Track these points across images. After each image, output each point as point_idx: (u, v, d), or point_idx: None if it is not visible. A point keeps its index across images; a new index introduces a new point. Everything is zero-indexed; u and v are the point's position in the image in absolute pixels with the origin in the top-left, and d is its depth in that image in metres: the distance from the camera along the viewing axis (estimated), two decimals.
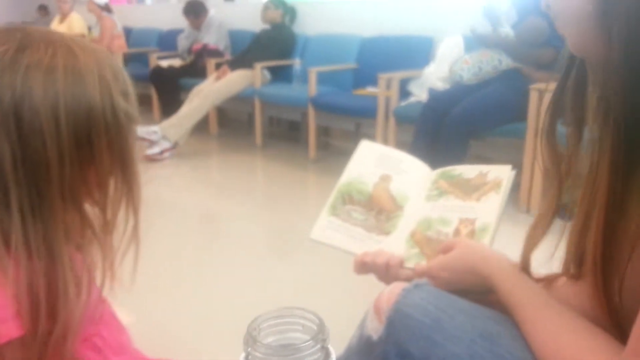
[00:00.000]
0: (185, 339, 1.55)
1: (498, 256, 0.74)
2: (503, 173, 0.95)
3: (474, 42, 2.84)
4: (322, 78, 3.45)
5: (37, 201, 0.55)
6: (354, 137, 3.71)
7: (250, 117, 4.13)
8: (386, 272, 0.91)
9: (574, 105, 0.64)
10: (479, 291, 0.74)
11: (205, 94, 3.78)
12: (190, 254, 2.20)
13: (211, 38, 4.46)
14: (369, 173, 1.04)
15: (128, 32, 5.58)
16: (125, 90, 0.62)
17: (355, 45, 3.70)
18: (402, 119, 2.95)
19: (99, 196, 0.63)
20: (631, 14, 0.50)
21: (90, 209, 0.63)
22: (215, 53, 4.36)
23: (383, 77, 3.01)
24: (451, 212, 0.94)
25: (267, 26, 4.06)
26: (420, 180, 1.03)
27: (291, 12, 4.08)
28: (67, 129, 0.55)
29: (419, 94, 3.03)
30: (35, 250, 0.55)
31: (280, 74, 3.95)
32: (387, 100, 3.00)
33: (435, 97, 2.79)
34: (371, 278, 0.96)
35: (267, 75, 3.90)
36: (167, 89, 4.38)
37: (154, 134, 3.55)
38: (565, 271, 0.69)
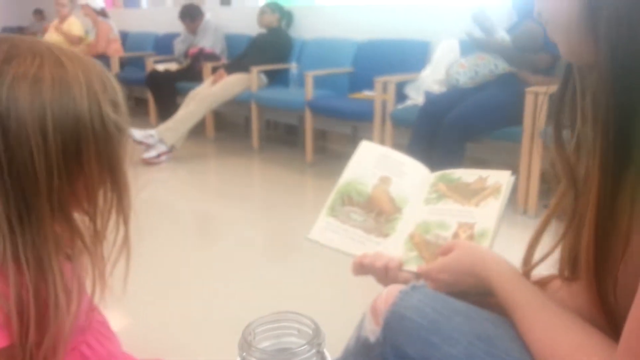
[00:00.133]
0: (181, 343, 1.55)
1: (497, 258, 0.75)
2: (502, 179, 0.95)
3: (470, 46, 2.85)
4: (319, 82, 3.46)
5: (26, 212, 0.55)
6: (351, 141, 3.72)
7: (247, 120, 4.13)
8: (385, 274, 0.91)
9: (571, 110, 0.65)
10: (478, 293, 0.74)
11: (202, 98, 3.78)
12: (187, 257, 2.20)
13: (207, 42, 4.46)
14: (368, 174, 1.04)
15: (124, 36, 5.58)
16: (114, 100, 0.62)
17: (351, 49, 3.71)
18: (399, 122, 2.96)
19: (89, 206, 0.63)
20: (616, 19, 0.51)
21: (80, 219, 0.63)
22: (212, 57, 4.37)
23: (379, 80, 3.01)
24: (450, 216, 0.94)
25: (263, 30, 4.07)
26: (419, 182, 1.03)
27: (288, 16, 4.09)
28: (54, 140, 0.55)
29: (416, 97, 3.03)
30: (24, 261, 0.55)
31: (277, 78, 3.96)
32: (384, 104, 3.01)
33: (432, 100, 2.80)
34: (369, 280, 0.96)
35: (264, 79, 3.90)
36: (163, 92, 4.37)
37: (150, 137, 3.54)
38: (561, 273, 0.69)
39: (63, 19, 5.44)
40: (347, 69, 3.66)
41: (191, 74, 4.30)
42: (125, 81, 5.07)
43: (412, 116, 2.76)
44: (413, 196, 1.01)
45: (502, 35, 2.73)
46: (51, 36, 5.42)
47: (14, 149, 0.54)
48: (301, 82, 3.56)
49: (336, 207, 1.01)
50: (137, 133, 3.51)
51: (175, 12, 4.68)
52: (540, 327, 0.62)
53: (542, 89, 2.39)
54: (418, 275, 0.88)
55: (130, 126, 0.66)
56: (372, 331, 0.72)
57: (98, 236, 0.63)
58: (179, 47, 4.72)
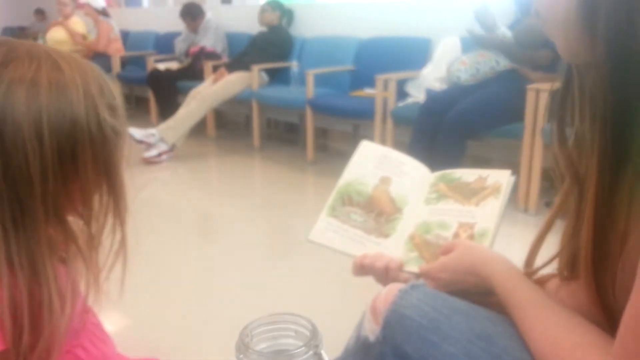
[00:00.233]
0: (180, 343, 1.55)
1: (498, 257, 0.74)
2: (502, 178, 0.95)
3: (471, 43, 2.84)
4: (320, 80, 3.45)
5: (20, 215, 0.55)
6: (352, 139, 3.71)
7: (248, 119, 4.13)
8: (385, 275, 0.91)
9: (571, 108, 0.65)
10: (478, 292, 0.74)
11: (203, 97, 3.78)
12: (188, 256, 2.20)
13: (208, 41, 4.46)
14: (368, 174, 1.04)
15: (125, 35, 5.59)
16: (111, 104, 0.62)
17: (352, 47, 3.71)
18: (400, 120, 2.95)
19: (84, 210, 0.63)
20: (614, 17, 0.51)
21: (75, 223, 0.63)
22: (213, 56, 4.36)
23: (380, 78, 3.01)
24: (450, 216, 0.94)
25: (264, 28, 4.07)
26: (419, 182, 1.02)
27: (288, 15, 4.08)
28: (50, 144, 0.55)
29: (417, 94, 3.03)
30: (18, 265, 0.55)
31: (277, 76, 3.95)
32: (385, 102, 3.01)
33: (433, 97, 2.79)
34: (368, 280, 0.96)
35: (265, 77, 3.90)
36: (164, 91, 4.37)
37: (151, 136, 3.54)
38: (560, 272, 0.69)
39: (66, 18, 5.45)
40: (348, 66, 3.66)
41: (192, 72, 4.30)
42: (126, 80, 5.08)
43: (413, 114, 2.76)
44: (413, 196, 1.01)
45: (504, 31, 2.72)
46: (56, 33, 5.43)
47: (9, 152, 0.54)
48: (302, 80, 3.56)
49: (336, 207, 1.01)
50: (138, 132, 3.51)
51: (176, 11, 4.69)
52: (540, 325, 0.62)
53: (543, 86, 2.39)
54: (418, 276, 0.88)
55: (127, 129, 0.66)
56: (372, 330, 0.72)
57: (93, 240, 0.63)
58: (179, 46, 4.72)
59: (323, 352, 0.43)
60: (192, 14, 4.52)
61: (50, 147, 0.55)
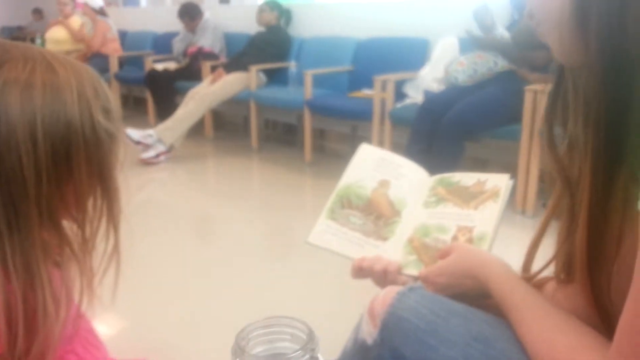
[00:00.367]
0: (177, 345, 1.54)
1: (495, 260, 0.74)
2: (501, 182, 0.95)
3: (469, 44, 2.84)
4: (318, 80, 3.45)
5: (14, 218, 0.55)
6: (350, 140, 3.71)
7: (246, 120, 4.13)
8: (384, 278, 0.91)
9: (564, 110, 0.66)
10: (476, 295, 0.74)
11: (201, 97, 3.78)
12: (185, 257, 2.19)
13: (206, 41, 4.45)
14: (367, 177, 1.04)
15: (123, 35, 5.58)
16: (106, 106, 0.62)
17: (350, 48, 3.71)
18: (398, 120, 2.95)
19: (77, 213, 0.62)
20: (607, 18, 0.51)
21: (69, 227, 0.62)
22: (211, 56, 4.36)
23: (378, 79, 3.01)
24: (449, 219, 0.95)
25: (262, 29, 4.06)
26: (418, 186, 1.03)
27: (286, 15, 4.08)
28: (44, 146, 0.55)
29: (415, 95, 3.03)
30: (12, 268, 0.54)
31: (275, 77, 3.95)
32: (383, 102, 3.01)
33: (431, 99, 2.79)
34: (366, 282, 0.96)
35: (263, 77, 3.90)
36: (162, 92, 4.37)
37: (149, 137, 3.54)
38: (556, 275, 0.69)
39: (66, 17, 5.45)
40: (346, 67, 3.66)
41: (190, 73, 4.30)
42: (123, 80, 5.07)
43: (411, 115, 2.76)
44: (412, 200, 1.01)
45: (502, 32, 2.72)
46: (56, 32, 5.43)
47: (3, 154, 0.53)
48: (300, 81, 3.56)
49: (336, 210, 1.01)
50: (136, 133, 3.50)
51: (174, 11, 4.68)
52: (537, 328, 0.62)
53: (541, 87, 2.39)
54: (417, 279, 0.88)
55: (122, 133, 0.65)
56: (370, 333, 0.72)
57: (87, 244, 0.63)
58: (177, 46, 4.72)
59: (320, 356, 0.43)
60: (190, 14, 4.52)
61: (44, 149, 0.55)
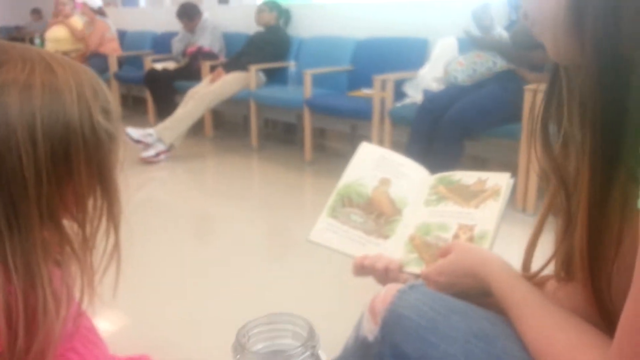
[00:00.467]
0: (177, 343, 1.55)
1: (495, 258, 0.75)
2: (502, 180, 0.96)
3: (468, 44, 2.84)
4: (317, 80, 3.45)
5: (14, 218, 0.55)
6: (350, 139, 3.71)
7: (246, 119, 4.13)
8: (385, 276, 0.92)
9: (558, 110, 0.66)
10: (477, 294, 0.74)
11: (200, 97, 3.78)
12: (185, 256, 2.19)
13: (205, 41, 4.45)
14: (368, 176, 1.04)
15: (122, 35, 5.58)
16: (105, 107, 0.62)
17: (350, 47, 3.71)
18: (398, 120, 2.96)
19: (78, 213, 0.62)
20: (602, 18, 0.51)
21: (69, 226, 0.62)
22: (210, 55, 4.36)
23: (378, 78, 3.01)
24: (450, 218, 0.95)
25: (261, 29, 4.06)
26: (419, 184, 1.03)
27: (285, 15, 4.08)
28: (44, 146, 0.55)
29: (414, 95, 3.03)
30: (12, 267, 0.55)
31: (275, 76, 3.95)
32: (382, 102, 3.01)
33: (430, 98, 2.80)
34: (367, 280, 0.96)
35: (262, 77, 3.90)
36: (161, 91, 4.37)
37: (149, 136, 3.54)
38: (556, 274, 0.69)
39: (66, 17, 5.45)
40: (345, 67, 3.66)
41: (189, 72, 4.29)
42: (123, 80, 5.07)
43: (411, 114, 2.76)
44: (413, 198, 1.01)
45: (500, 32, 2.73)
46: (56, 32, 5.42)
47: (3, 155, 0.53)
48: (300, 81, 3.56)
49: (337, 208, 1.02)
50: (136, 132, 3.50)
51: (173, 10, 4.68)
52: (537, 326, 0.62)
53: (540, 86, 2.39)
54: (418, 277, 0.88)
55: (121, 133, 0.66)
56: (371, 330, 0.72)
57: (87, 243, 0.63)
58: (177, 45, 4.71)
59: (320, 352, 0.43)
60: (189, 14, 4.51)
61: (43, 149, 0.55)
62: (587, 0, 0.53)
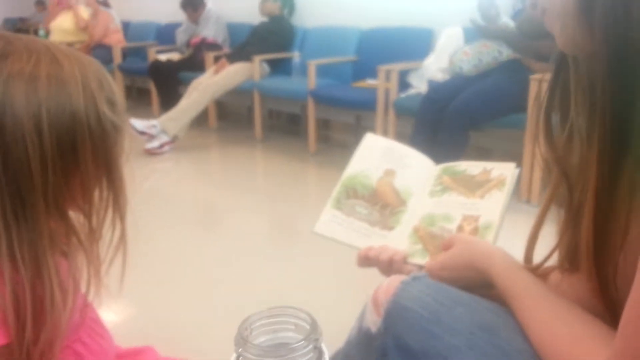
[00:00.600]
0: (181, 333, 1.55)
1: (496, 250, 0.74)
2: (507, 170, 0.95)
3: (474, 33, 2.82)
4: (322, 71, 3.44)
5: (21, 208, 0.55)
6: (354, 130, 3.70)
7: (250, 110, 4.12)
8: (389, 267, 0.92)
9: (563, 101, 0.65)
10: (481, 286, 0.74)
11: (204, 88, 3.77)
12: (189, 247, 2.20)
13: (209, 31, 4.44)
14: (373, 167, 1.04)
15: (126, 26, 5.57)
16: (111, 98, 0.62)
17: (354, 38, 3.69)
18: (402, 110, 2.94)
19: (84, 204, 0.63)
20: (612, 6, 0.51)
21: (76, 217, 0.63)
22: (214, 46, 4.35)
23: (382, 69, 2.99)
24: (455, 208, 0.95)
25: (265, 19, 4.05)
26: (423, 175, 1.03)
27: (290, 5, 4.06)
28: (50, 138, 0.55)
29: (419, 85, 3.02)
30: (20, 258, 0.55)
31: (279, 67, 3.94)
32: (387, 92, 2.99)
33: (435, 88, 2.78)
34: (371, 271, 0.96)
35: (266, 68, 3.89)
36: (165, 82, 4.36)
37: (153, 127, 3.54)
38: (560, 265, 0.69)
39: (70, 7, 5.45)
40: (350, 57, 3.64)
41: (193, 63, 4.28)
42: (127, 71, 5.07)
43: (416, 105, 2.75)
44: (417, 189, 1.01)
45: (506, 21, 2.70)
46: (63, 21, 5.42)
47: (9, 146, 0.54)
48: (304, 71, 3.54)
49: (341, 200, 1.02)
50: (140, 123, 3.50)
51: (177, 1, 4.66)
52: (540, 317, 0.62)
53: (546, 76, 2.37)
54: (422, 268, 0.88)
55: (127, 124, 0.66)
56: (374, 322, 0.72)
57: (93, 234, 0.63)
58: (181, 36, 4.70)
59: (323, 346, 0.43)
60: (193, 5, 4.50)
61: (50, 141, 0.55)
62: None
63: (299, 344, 0.41)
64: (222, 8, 4.64)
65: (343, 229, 0.99)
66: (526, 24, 2.58)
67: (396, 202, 1.01)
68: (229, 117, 4.67)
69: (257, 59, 3.75)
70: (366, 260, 0.95)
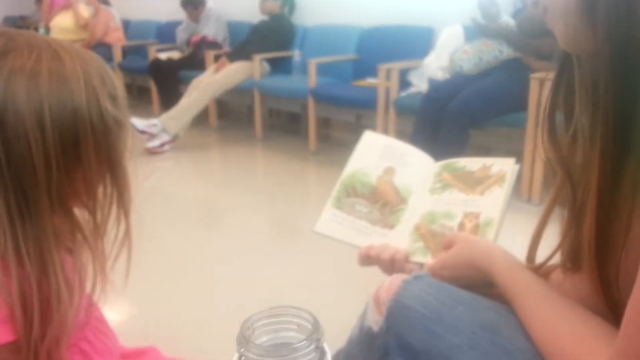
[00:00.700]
0: (182, 332, 1.55)
1: (497, 249, 0.74)
2: (507, 166, 0.95)
3: (474, 32, 2.82)
4: (322, 69, 3.43)
5: (25, 205, 0.55)
6: (355, 129, 3.70)
7: (250, 109, 4.12)
8: (391, 266, 0.91)
9: (567, 100, 0.65)
10: (482, 285, 0.74)
11: (205, 86, 3.77)
12: (191, 246, 2.20)
13: (210, 30, 4.43)
14: (372, 165, 1.04)
15: (126, 24, 5.56)
16: (113, 94, 0.62)
17: (354, 36, 3.68)
18: (403, 109, 2.94)
19: (88, 200, 0.63)
20: (614, 5, 0.51)
21: (80, 213, 0.63)
22: (214, 45, 4.34)
23: (383, 67, 2.99)
24: (455, 205, 0.94)
25: (265, 17, 4.04)
26: (423, 172, 1.02)
27: (290, 3, 4.05)
28: (52, 134, 0.55)
29: (419, 84, 3.01)
30: (25, 254, 0.55)
31: (279, 66, 3.93)
32: (387, 91, 2.99)
33: (436, 87, 2.78)
34: (372, 269, 0.96)
35: (267, 67, 3.88)
36: (166, 81, 4.36)
37: (153, 126, 3.54)
38: (563, 264, 0.69)
39: (71, 5, 5.44)
40: (350, 56, 3.64)
41: (194, 62, 4.28)
42: (127, 70, 5.06)
43: (416, 103, 2.74)
44: (418, 186, 1.01)
45: (507, 20, 2.70)
46: (63, 20, 5.42)
47: (11, 143, 0.54)
48: (304, 70, 3.54)
49: (341, 199, 1.02)
50: (140, 122, 3.50)
51: None
52: (541, 316, 0.62)
53: (547, 75, 2.37)
54: (422, 267, 0.88)
55: (129, 120, 0.66)
56: (375, 321, 0.72)
57: (98, 230, 0.64)
58: (181, 35, 4.70)
59: (325, 345, 0.43)
60: (193, 3, 4.49)
61: (52, 137, 0.55)
62: None
63: (301, 343, 0.41)
64: (222, 6, 4.63)
65: (343, 227, 0.99)
66: (526, 23, 2.58)
67: (396, 201, 1.01)
68: (230, 116, 4.66)
69: (258, 57, 3.75)
70: (367, 259, 0.95)
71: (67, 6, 5.45)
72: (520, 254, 0.74)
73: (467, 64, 2.73)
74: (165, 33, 5.12)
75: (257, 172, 3.48)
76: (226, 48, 4.38)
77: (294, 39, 4.00)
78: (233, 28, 4.54)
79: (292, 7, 4.08)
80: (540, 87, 2.37)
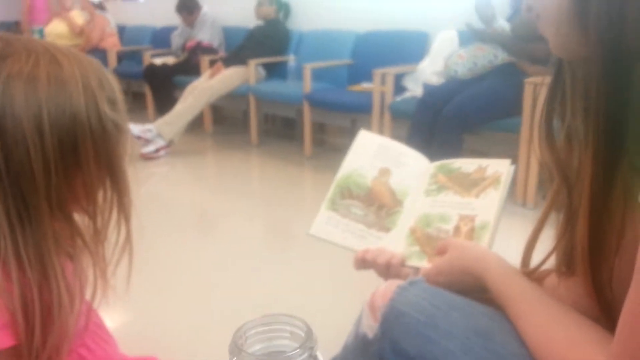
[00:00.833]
0: (178, 338, 1.55)
1: (491, 255, 0.74)
2: (502, 167, 0.94)
3: (469, 37, 2.83)
4: (317, 74, 3.44)
5: (24, 210, 0.55)
6: (350, 134, 3.70)
7: (245, 114, 4.12)
8: (387, 270, 0.91)
9: (562, 104, 0.65)
10: (476, 291, 0.74)
11: (200, 92, 3.77)
12: (186, 251, 2.19)
13: (205, 35, 4.44)
14: (367, 165, 1.03)
15: (122, 29, 5.55)
16: (112, 97, 0.61)
17: (349, 41, 3.69)
18: (398, 114, 2.95)
19: (88, 205, 0.62)
20: (606, 11, 0.51)
21: (81, 219, 0.62)
22: (209, 50, 4.34)
23: (378, 72, 3.00)
24: (451, 208, 0.94)
25: (260, 22, 4.05)
26: (419, 173, 1.02)
27: (285, 8, 4.06)
28: (51, 138, 0.55)
29: (414, 88, 3.02)
30: (26, 260, 0.55)
31: (274, 71, 3.94)
32: (382, 96, 3.00)
33: (430, 92, 2.79)
34: (367, 275, 0.96)
35: (262, 72, 3.88)
36: (161, 86, 4.36)
37: (148, 132, 3.53)
38: (557, 268, 0.69)
39: (67, 11, 5.44)
40: (345, 61, 3.64)
41: (189, 67, 4.28)
42: (122, 75, 5.04)
43: (411, 108, 2.75)
44: (413, 188, 1.00)
45: (502, 24, 2.71)
46: (56, 27, 5.41)
47: (10, 148, 0.53)
48: (299, 75, 3.55)
49: (336, 201, 1.01)
50: (135, 128, 3.50)
51: (172, 5, 4.65)
52: (535, 321, 0.62)
53: (541, 80, 2.38)
54: (420, 271, 0.88)
55: (128, 123, 0.65)
56: (370, 327, 0.72)
57: (98, 235, 0.63)
58: (176, 40, 4.70)
59: (318, 354, 0.43)
60: (188, 8, 4.49)
61: (51, 141, 0.55)
62: None
63: (294, 352, 0.41)
64: (217, 12, 4.63)
65: (339, 230, 0.98)
66: (521, 28, 2.59)
67: (392, 203, 1.00)
68: (225, 121, 4.66)
69: (253, 62, 3.75)
70: (363, 263, 0.94)
71: (60, 14, 5.44)
72: (515, 258, 0.74)
73: (462, 69, 2.74)
74: (160, 38, 5.11)
75: (253, 177, 3.47)
76: (221, 53, 4.38)
77: (289, 44, 4.00)
78: (228, 33, 4.54)
79: (287, 12, 4.08)
80: (534, 91, 2.38)
